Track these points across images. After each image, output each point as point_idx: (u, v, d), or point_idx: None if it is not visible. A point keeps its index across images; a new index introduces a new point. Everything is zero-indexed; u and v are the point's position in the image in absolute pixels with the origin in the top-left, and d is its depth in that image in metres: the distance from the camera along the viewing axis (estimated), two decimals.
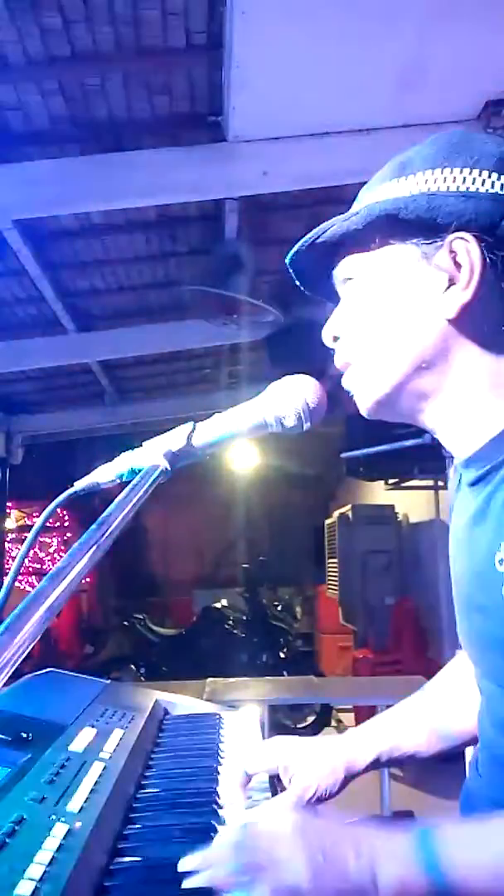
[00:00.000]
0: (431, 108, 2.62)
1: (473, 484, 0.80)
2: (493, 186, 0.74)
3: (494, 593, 0.72)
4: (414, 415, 0.83)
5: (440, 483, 5.33)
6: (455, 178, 0.75)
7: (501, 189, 0.74)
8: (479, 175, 0.74)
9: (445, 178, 0.75)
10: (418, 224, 0.75)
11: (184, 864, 0.64)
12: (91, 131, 2.78)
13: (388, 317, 0.78)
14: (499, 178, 0.74)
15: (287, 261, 0.85)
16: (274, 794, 0.91)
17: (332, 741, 0.98)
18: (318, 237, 0.81)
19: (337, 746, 0.96)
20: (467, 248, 0.74)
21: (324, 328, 0.85)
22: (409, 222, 0.75)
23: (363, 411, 0.84)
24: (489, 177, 0.74)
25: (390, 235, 0.78)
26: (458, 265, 0.74)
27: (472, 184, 0.74)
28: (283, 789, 0.92)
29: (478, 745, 0.87)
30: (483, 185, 0.74)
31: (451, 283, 0.75)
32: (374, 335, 0.80)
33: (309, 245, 0.82)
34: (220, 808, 0.85)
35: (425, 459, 4.57)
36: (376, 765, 0.97)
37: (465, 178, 0.75)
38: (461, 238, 0.74)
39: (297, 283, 0.88)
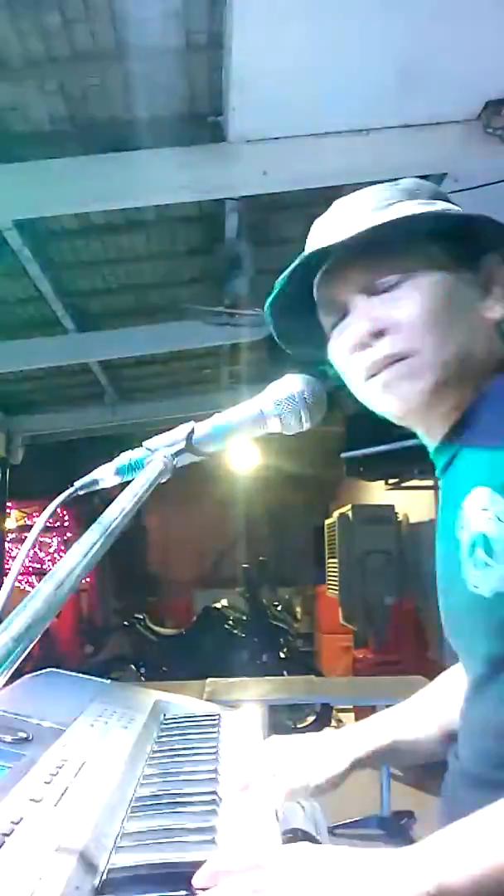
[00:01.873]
0: (431, 108, 2.62)
1: (443, 472, 0.86)
2: None
3: (455, 564, 0.74)
4: (444, 413, 0.84)
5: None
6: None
7: None
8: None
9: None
10: (458, 238, 0.81)
11: None
12: (91, 131, 2.78)
13: (450, 314, 0.80)
14: None
15: (291, 268, 0.83)
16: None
17: (331, 735, 0.99)
18: (361, 235, 0.79)
19: (337, 738, 0.97)
20: None
21: (367, 320, 0.81)
22: (448, 236, 0.81)
23: (409, 404, 0.81)
24: None
25: (438, 241, 0.82)
26: (494, 280, 0.83)
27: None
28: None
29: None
30: None
31: (488, 291, 0.82)
32: (441, 331, 0.80)
33: (339, 245, 0.80)
34: (220, 808, 0.84)
35: (425, 459, 4.55)
36: (376, 757, 0.97)
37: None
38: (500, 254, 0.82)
39: (274, 292, 0.86)
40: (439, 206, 0.83)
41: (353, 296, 0.82)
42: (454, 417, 0.83)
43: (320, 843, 0.98)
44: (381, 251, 0.80)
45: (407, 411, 0.82)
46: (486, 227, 0.81)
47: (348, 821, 3.42)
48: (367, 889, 0.58)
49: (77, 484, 0.82)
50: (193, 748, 1.05)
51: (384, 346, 0.80)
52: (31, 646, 0.55)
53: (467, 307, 0.82)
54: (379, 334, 0.80)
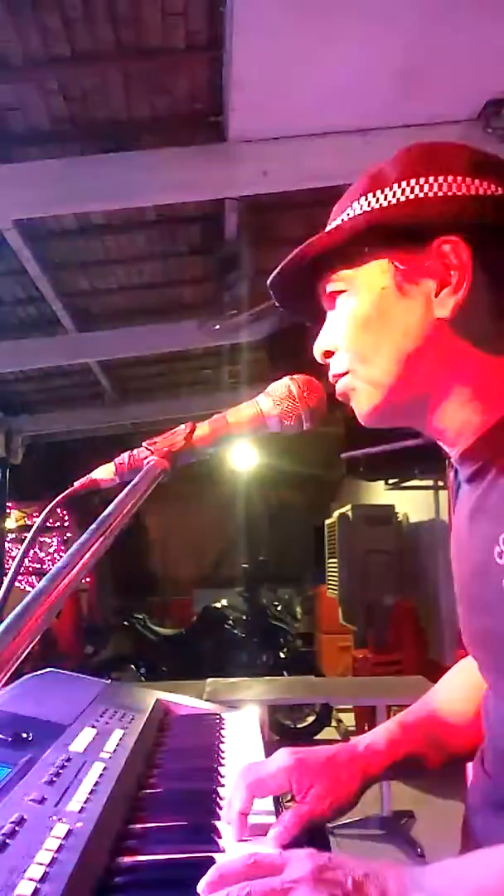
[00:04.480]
0: (431, 108, 2.63)
1: (470, 481, 0.81)
2: (468, 189, 0.76)
3: (495, 588, 0.71)
4: (414, 418, 0.83)
5: (440, 483, 5.33)
6: (432, 184, 0.77)
7: (478, 191, 0.76)
8: (454, 180, 0.76)
9: (423, 185, 0.77)
10: (404, 231, 0.76)
11: None
12: (91, 131, 2.79)
13: (383, 325, 0.79)
14: (473, 182, 0.76)
15: (269, 282, 0.85)
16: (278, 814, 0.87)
17: (341, 750, 0.93)
18: (303, 257, 0.80)
19: (349, 756, 0.91)
20: (455, 249, 0.75)
21: (315, 344, 0.85)
22: (394, 231, 0.76)
23: (363, 419, 0.84)
24: (464, 181, 0.76)
25: (376, 246, 0.78)
26: (446, 267, 0.76)
27: (450, 189, 0.76)
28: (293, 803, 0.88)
29: (483, 741, 0.85)
30: (460, 188, 0.76)
31: (442, 285, 0.76)
32: (372, 344, 0.79)
33: (294, 265, 0.82)
34: (221, 808, 0.84)
35: (425, 459, 4.57)
36: (389, 774, 0.92)
37: (441, 184, 0.77)
38: (448, 241, 0.75)
39: (278, 304, 0.88)
40: (397, 190, 0.77)
41: (323, 303, 0.86)
42: (467, 421, 0.79)
43: (327, 839, 0.96)
44: (333, 262, 0.81)
45: (368, 421, 0.83)
46: (429, 208, 0.75)
47: (348, 821, 3.42)
48: None
49: (76, 484, 0.82)
50: (193, 748, 1.05)
51: (332, 366, 0.84)
52: (31, 646, 0.55)
53: (413, 309, 0.77)
54: (327, 354, 0.84)
